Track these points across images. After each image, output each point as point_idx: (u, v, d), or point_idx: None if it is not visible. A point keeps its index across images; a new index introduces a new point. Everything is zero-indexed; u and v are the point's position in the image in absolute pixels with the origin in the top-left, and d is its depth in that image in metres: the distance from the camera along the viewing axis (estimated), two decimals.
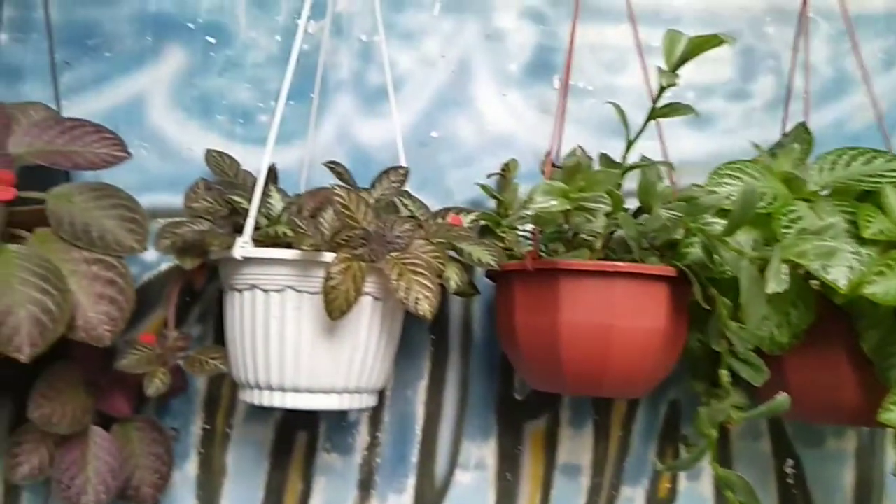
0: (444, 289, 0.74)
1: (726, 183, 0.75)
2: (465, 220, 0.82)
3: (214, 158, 0.85)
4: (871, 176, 0.74)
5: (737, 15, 0.95)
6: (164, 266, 0.88)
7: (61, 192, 0.72)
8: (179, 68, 0.90)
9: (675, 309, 0.72)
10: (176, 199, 0.88)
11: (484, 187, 0.90)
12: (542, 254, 0.77)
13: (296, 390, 0.71)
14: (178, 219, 0.78)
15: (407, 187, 0.84)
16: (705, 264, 0.70)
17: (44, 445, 0.73)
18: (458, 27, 0.94)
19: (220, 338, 0.89)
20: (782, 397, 0.64)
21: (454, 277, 0.75)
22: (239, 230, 0.73)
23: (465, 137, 0.94)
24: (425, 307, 0.67)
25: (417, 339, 0.91)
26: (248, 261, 0.70)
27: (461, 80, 0.94)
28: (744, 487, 0.67)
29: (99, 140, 0.77)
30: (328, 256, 0.68)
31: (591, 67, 0.95)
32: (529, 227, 0.83)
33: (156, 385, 0.73)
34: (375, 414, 0.90)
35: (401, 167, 0.83)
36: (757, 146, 0.83)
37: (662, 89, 0.69)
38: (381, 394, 0.88)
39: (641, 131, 0.73)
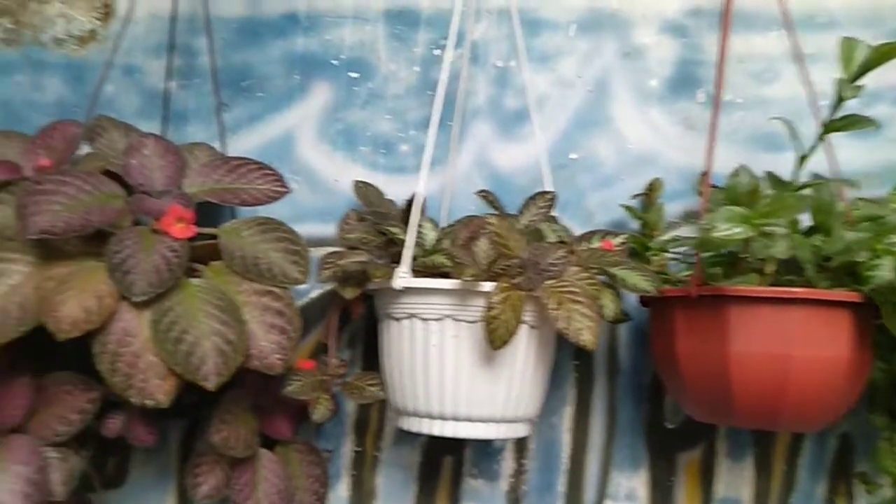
0: None
1: None
2: (615, 243, 0.80)
3: (361, 189, 0.88)
4: None
5: None
6: (315, 293, 0.92)
7: (231, 227, 0.77)
8: (325, 104, 0.94)
9: (859, 336, 0.67)
10: (325, 229, 0.93)
11: (628, 209, 0.87)
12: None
13: (455, 419, 0.71)
14: (335, 249, 0.81)
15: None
16: (894, 287, 0.65)
17: (219, 467, 0.77)
18: (595, 47, 0.92)
19: (368, 364, 0.92)
20: None
21: (609, 305, 0.73)
22: (394, 260, 0.75)
23: (605, 158, 0.92)
24: (588, 337, 0.65)
25: (561, 365, 0.89)
26: (406, 290, 0.71)
27: (599, 100, 0.92)
28: None
29: (261, 177, 0.81)
30: (487, 286, 0.68)
31: (739, 79, 0.90)
32: (681, 249, 0.80)
33: (321, 411, 0.76)
34: (521, 441, 0.90)
35: (547, 192, 0.82)
36: None
37: (841, 101, 0.65)
38: None
39: (815, 147, 0.68)
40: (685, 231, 0.79)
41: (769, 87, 0.90)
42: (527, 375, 0.72)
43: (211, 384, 0.65)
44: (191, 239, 0.73)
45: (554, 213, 0.83)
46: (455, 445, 0.90)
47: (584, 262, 0.73)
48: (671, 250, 0.80)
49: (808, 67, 0.83)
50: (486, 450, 0.91)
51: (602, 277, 0.76)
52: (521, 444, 0.90)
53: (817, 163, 0.81)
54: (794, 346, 0.65)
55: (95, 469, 0.88)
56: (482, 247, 0.71)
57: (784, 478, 0.85)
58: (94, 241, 0.73)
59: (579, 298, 0.67)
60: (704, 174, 0.73)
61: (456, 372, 0.70)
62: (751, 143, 0.89)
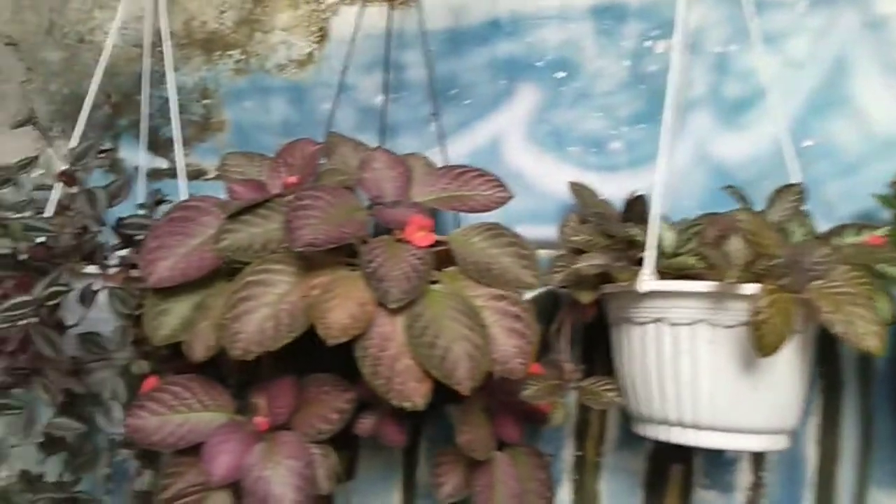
0: None
1: None
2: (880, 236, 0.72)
3: (577, 190, 0.87)
4: None
5: None
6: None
7: (461, 234, 0.79)
8: (532, 106, 0.94)
9: None
10: (536, 232, 0.92)
11: (881, 198, 0.79)
12: None
13: (712, 429, 0.68)
14: (561, 252, 0.80)
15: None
16: None
17: (458, 468, 0.80)
18: (830, 21, 0.84)
19: (588, 369, 0.90)
20: None
21: (884, 307, 0.66)
22: (631, 262, 0.73)
23: (846, 143, 0.83)
24: (874, 343, 0.59)
25: None
26: (651, 293, 0.69)
27: (836, 80, 0.84)
28: None
29: (484, 183, 0.82)
30: (749, 288, 0.64)
31: None
32: None
33: (559, 416, 0.75)
34: (757, 452, 0.84)
35: (794, 185, 0.76)
36: None
37: None
38: None
39: None
40: None
41: None
42: (790, 383, 0.67)
43: (465, 388, 0.67)
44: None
45: (804, 206, 0.76)
46: (684, 454, 0.86)
47: (850, 259, 0.66)
48: None
49: None
50: (718, 460, 0.86)
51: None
52: (757, 456, 0.84)
53: None
54: None
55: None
56: (735, 246, 0.67)
57: None
58: (339, 251, 0.78)
59: (858, 300, 0.61)
60: None
61: (712, 379, 0.66)
62: None
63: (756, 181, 0.84)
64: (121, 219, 0.86)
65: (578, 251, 0.79)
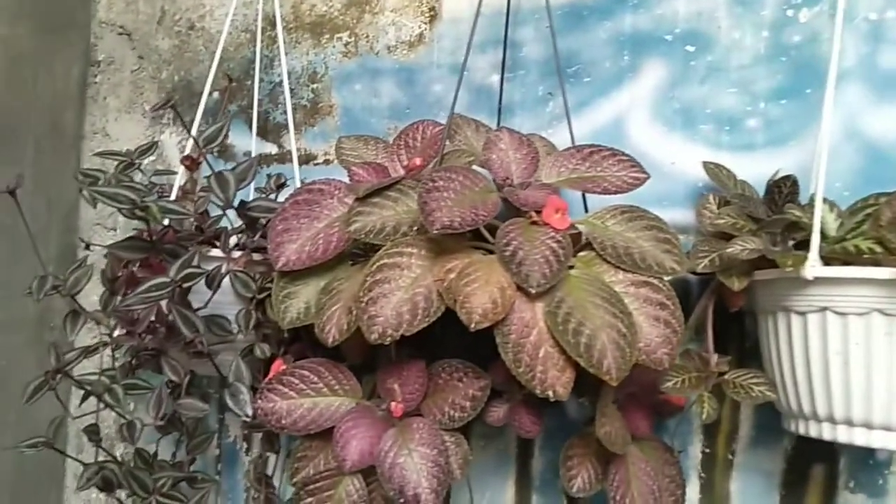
0: None
1: None
2: None
3: (713, 171, 0.82)
4: None
5: None
6: None
7: (596, 216, 0.75)
8: (658, 82, 0.89)
9: None
10: (662, 215, 0.87)
11: None
12: None
13: (885, 428, 0.62)
14: (702, 237, 0.75)
15: None
16: None
17: (588, 461, 0.77)
18: None
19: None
20: None
21: None
22: (780, 246, 0.67)
23: None
24: None
25: None
26: (816, 281, 0.64)
27: None
28: None
29: (616, 163, 0.78)
30: None
31: None
32: None
33: (707, 410, 0.71)
34: None
35: None
36: None
37: None
38: None
39: None
40: None
41: None
42: None
43: (613, 378, 0.63)
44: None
45: None
46: (827, 454, 0.81)
47: None
48: None
49: None
50: (868, 461, 0.79)
51: None
52: None
53: None
54: None
55: None
56: None
57: None
58: (465, 234, 0.75)
59: None
60: None
61: (889, 374, 0.61)
62: None
63: None
64: (244, 202, 0.86)
65: (722, 235, 0.74)
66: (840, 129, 0.82)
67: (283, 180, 0.91)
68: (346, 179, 0.82)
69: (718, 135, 0.86)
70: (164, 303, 0.81)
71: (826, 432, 0.65)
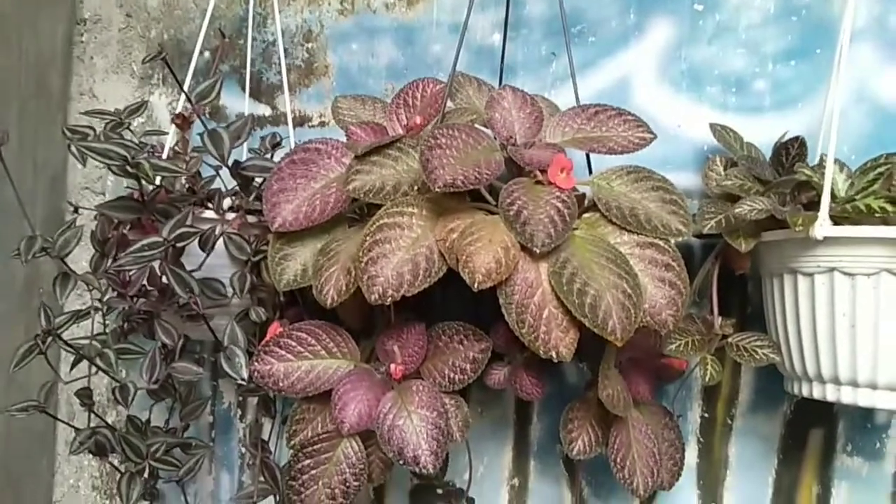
0: None
1: None
2: None
3: (720, 133, 0.80)
4: None
5: None
6: None
7: (601, 176, 0.74)
8: (665, 43, 0.87)
9: None
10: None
11: None
12: None
13: (891, 389, 0.62)
14: (709, 198, 0.74)
15: None
16: None
17: (588, 424, 0.76)
18: None
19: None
20: None
21: None
22: (789, 206, 0.66)
23: None
24: None
25: None
26: (824, 241, 0.63)
27: None
28: None
29: (622, 123, 0.76)
30: None
31: None
32: None
33: (710, 373, 0.70)
34: None
35: None
36: None
37: None
38: None
39: None
40: None
41: None
42: None
43: (618, 339, 0.62)
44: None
45: None
46: (825, 418, 0.81)
47: None
48: None
49: None
50: (864, 424, 0.80)
51: None
52: None
53: None
54: None
55: None
56: None
57: None
58: (466, 194, 0.74)
59: None
60: None
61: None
62: None
63: None
64: (238, 162, 0.83)
65: (729, 197, 0.73)
66: (850, 91, 0.80)
67: (278, 140, 0.89)
68: (343, 140, 0.79)
69: (725, 97, 0.85)
70: (156, 266, 0.79)
71: (830, 393, 0.65)
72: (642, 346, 0.78)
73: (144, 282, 0.81)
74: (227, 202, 0.87)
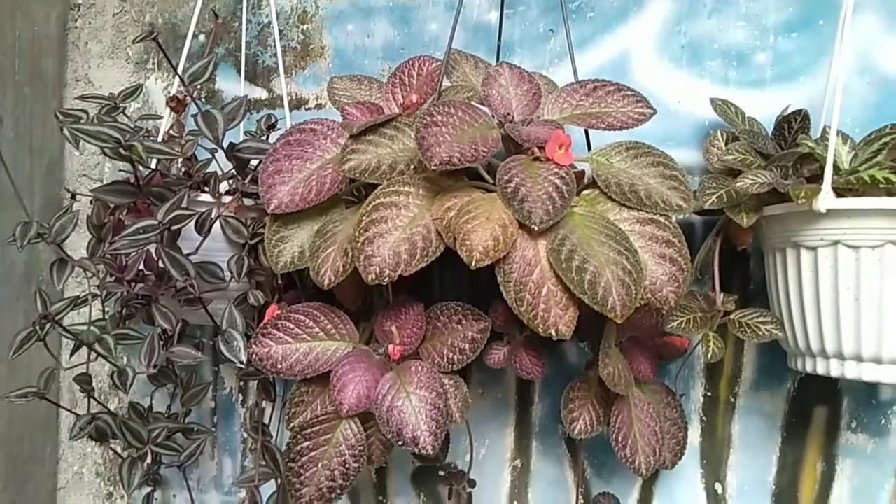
0: None
1: None
2: None
3: (721, 107, 0.79)
4: None
5: None
6: None
7: (600, 153, 0.72)
8: (665, 17, 0.86)
9: None
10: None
11: None
12: None
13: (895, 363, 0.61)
14: (709, 173, 0.73)
15: None
16: None
17: (589, 403, 0.76)
18: None
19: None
20: None
21: None
22: (791, 179, 0.65)
23: None
24: None
25: None
26: (828, 214, 0.61)
27: None
28: None
29: (621, 98, 0.75)
30: None
31: None
32: None
33: (712, 350, 0.70)
34: None
35: None
36: None
37: None
38: None
39: None
40: None
41: None
42: None
43: (618, 315, 0.62)
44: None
45: None
46: (829, 395, 0.80)
47: None
48: None
49: None
50: (869, 401, 0.79)
51: None
52: None
53: None
54: None
55: None
56: None
57: None
58: (462, 172, 0.73)
59: None
60: None
61: None
62: None
63: None
64: (234, 144, 0.82)
65: (730, 172, 0.71)
66: (853, 63, 0.79)
67: (273, 121, 0.88)
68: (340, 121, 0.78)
69: (726, 71, 0.83)
70: (153, 250, 0.79)
71: (834, 369, 0.64)
72: (643, 325, 0.78)
73: (141, 266, 0.80)
74: (223, 186, 0.86)
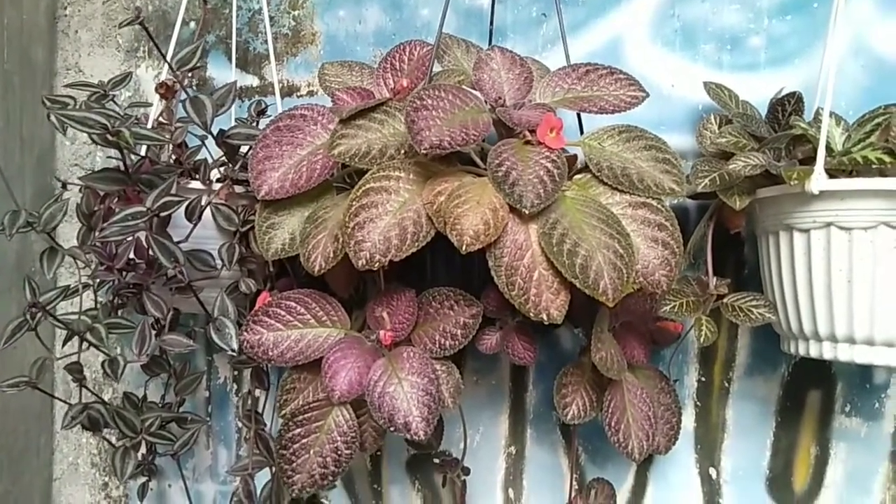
0: None
1: None
2: None
3: (714, 91, 0.78)
4: None
5: None
6: None
7: (592, 136, 0.72)
8: (658, 1, 0.85)
9: None
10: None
11: None
12: None
13: (888, 345, 0.61)
14: (702, 156, 0.72)
15: None
16: None
17: (582, 388, 0.75)
18: None
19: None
20: None
21: None
22: (784, 161, 0.65)
23: None
24: None
25: None
26: (820, 195, 0.61)
27: None
28: None
29: (613, 82, 0.75)
30: None
31: None
32: None
33: (705, 334, 0.69)
34: None
35: None
36: None
37: None
38: None
39: None
40: None
41: None
42: None
43: (609, 299, 0.61)
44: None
45: None
46: (823, 379, 0.80)
47: None
48: None
49: None
50: (863, 385, 0.79)
51: None
52: None
53: None
54: None
55: None
56: None
57: None
58: (453, 157, 0.72)
59: None
60: None
61: (894, 289, 0.59)
62: None
63: None
64: (224, 131, 0.82)
65: (724, 155, 0.71)
66: (846, 45, 0.78)
67: (263, 107, 0.87)
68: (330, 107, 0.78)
69: (720, 54, 0.83)
70: (143, 238, 0.78)
71: (826, 351, 0.64)
72: (637, 310, 0.77)
73: (132, 255, 0.80)
74: (214, 174, 0.86)
